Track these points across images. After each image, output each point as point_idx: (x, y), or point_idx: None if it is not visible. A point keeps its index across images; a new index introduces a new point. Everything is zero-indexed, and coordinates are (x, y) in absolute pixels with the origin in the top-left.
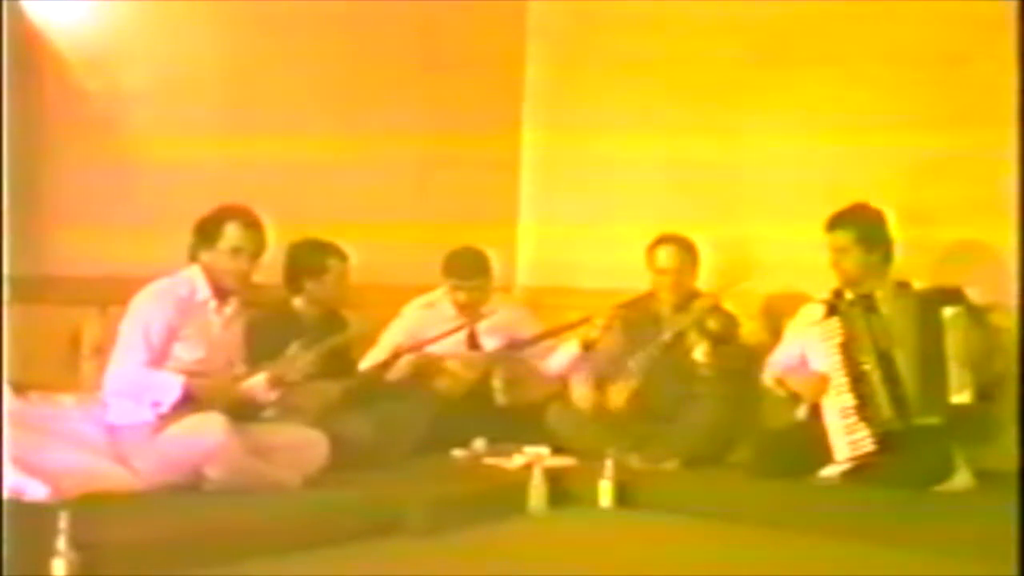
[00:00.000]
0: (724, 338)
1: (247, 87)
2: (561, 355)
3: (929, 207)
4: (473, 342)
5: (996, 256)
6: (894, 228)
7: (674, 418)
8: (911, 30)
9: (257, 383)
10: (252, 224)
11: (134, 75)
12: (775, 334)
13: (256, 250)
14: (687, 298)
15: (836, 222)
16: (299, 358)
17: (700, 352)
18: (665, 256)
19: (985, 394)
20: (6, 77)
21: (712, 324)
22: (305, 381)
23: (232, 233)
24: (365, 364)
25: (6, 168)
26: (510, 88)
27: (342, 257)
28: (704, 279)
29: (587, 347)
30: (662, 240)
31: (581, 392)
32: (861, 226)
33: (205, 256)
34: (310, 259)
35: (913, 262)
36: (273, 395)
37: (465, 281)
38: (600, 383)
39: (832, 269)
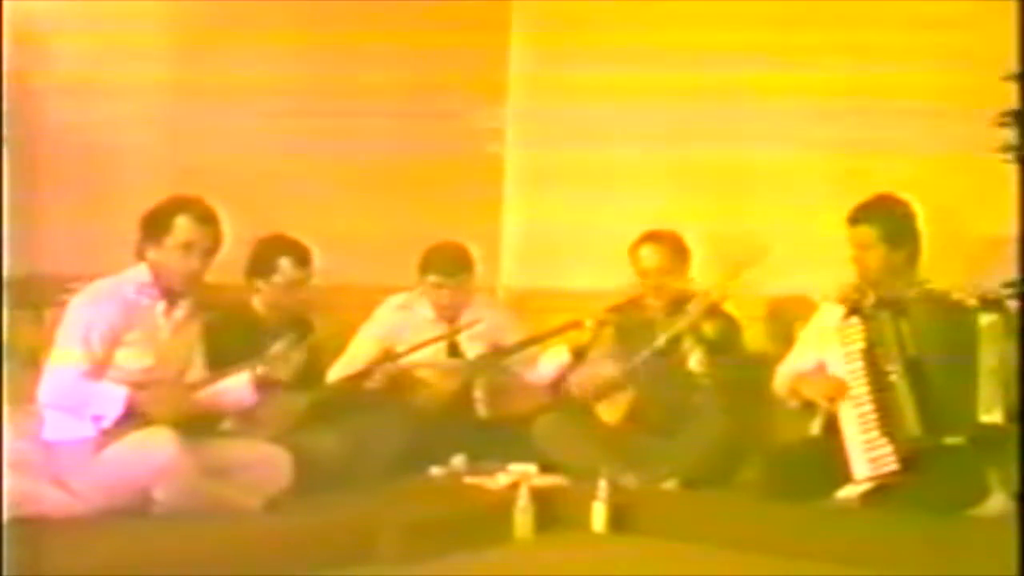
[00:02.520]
0: (722, 345)
1: (201, 64)
2: (548, 362)
3: (955, 198)
4: (454, 348)
5: None
6: (922, 223)
7: (674, 433)
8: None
9: (239, 384)
10: (205, 217)
11: (67, 48)
12: (784, 341)
13: (210, 246)
14: (680, 300)
15: (859, 215)
16: (291, 354)
17: (695, 361)
18: (648, 256)
19: (1014, 415)
20: None
21: (708, 330)
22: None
23: (183, 227)
24: (334, 373)
25: None
26: (494, 71)
27: (300, 260)
28: (702, 277)
29: (577, 354)
30: (645, 239)
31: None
32: (887, 220)
33: (153, 253)
34: (262, 257)
35: (938, 260)
36: (257, 397)
37: (448, 277)
38: (593, 394)
39: (853, 265)
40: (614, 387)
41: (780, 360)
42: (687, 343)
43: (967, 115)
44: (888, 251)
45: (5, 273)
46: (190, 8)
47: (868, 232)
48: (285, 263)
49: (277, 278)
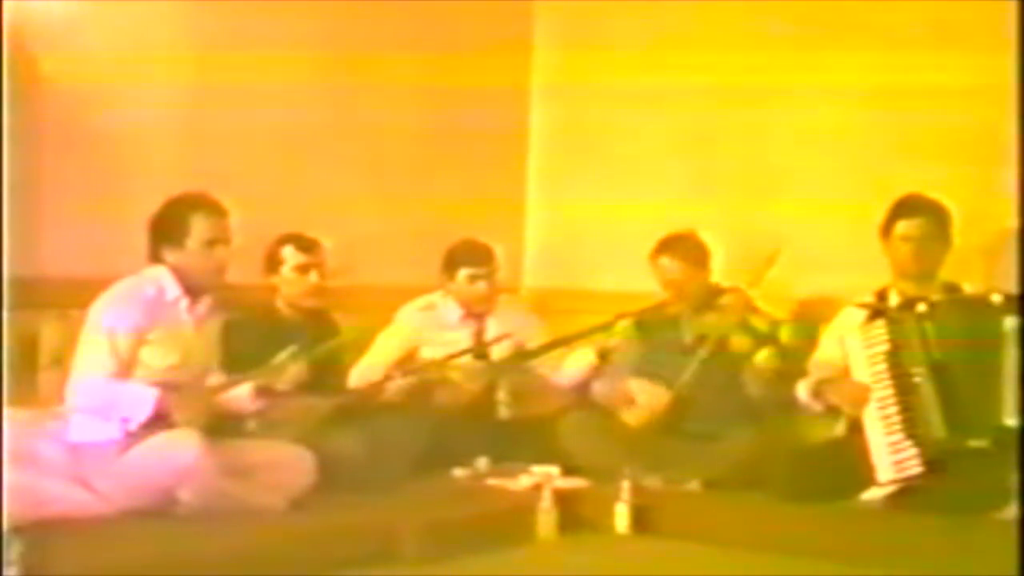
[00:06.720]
0: (774, 337)
1: (212, 60)
2: (573, 365)
3: (980, 199)
4: (481, 348)
5: None
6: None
7: (708, 434)
8: None
9: (241, 394)
10: (220, 211)
11: (68, 47)
12: (810, 343)
13: (229, 237)
14: (706, 297)
15: (912, 208)
16: (290, 366)
17: (764, 356)
18: (667, 266)
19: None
20: None
21: (758, 323)
22: (293, 393)
23: (202, 225)
24: (356, 374)
25: None
26: (517, 71)
27: (302, 246)
28: (727, 276)
29: (604, 356)
30: (662, 248)
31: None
32: (934, 216)
33: (172, 256)
34: (269, 253)
35: (963, 261)
36: (257, 405)
37: (480, 267)
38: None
39: (893, 258)
40: (643, 392)
41: (806, 360)
42: (737, 340)
43: (991, 113)
44: (932, 247)
45: (24, 273)
46: (192, 4)
47: (919, 225)
48: (288, 251)
49: (285, 269)
